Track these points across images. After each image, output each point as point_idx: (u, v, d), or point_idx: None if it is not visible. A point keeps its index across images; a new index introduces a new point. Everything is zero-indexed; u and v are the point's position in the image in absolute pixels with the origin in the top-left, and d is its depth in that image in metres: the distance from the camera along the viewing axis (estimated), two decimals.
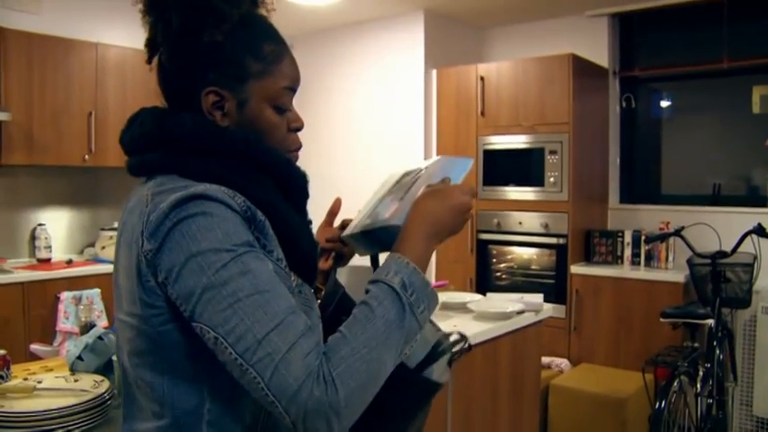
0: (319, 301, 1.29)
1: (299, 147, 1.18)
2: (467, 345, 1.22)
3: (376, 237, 1.20)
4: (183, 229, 0.94)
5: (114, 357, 1.75)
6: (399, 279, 1.01)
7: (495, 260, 4.96)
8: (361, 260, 1.41)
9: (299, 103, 1.18)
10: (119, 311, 1.06)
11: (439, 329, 1.30)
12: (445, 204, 1.11)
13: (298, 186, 1.14)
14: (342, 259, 1.42)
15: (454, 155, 1.19)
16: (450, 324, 2.68)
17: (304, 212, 1.17)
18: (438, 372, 1.22)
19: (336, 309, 1.20)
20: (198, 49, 1.06)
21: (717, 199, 4.69)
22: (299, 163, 1.15)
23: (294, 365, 0.89)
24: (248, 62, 1.08)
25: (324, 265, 1.40)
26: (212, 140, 1.05)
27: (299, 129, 1.17)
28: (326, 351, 0.92)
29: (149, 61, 1.14)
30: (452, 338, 1.22)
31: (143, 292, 0.98)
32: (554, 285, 4.62)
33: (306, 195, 1.16)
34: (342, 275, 1.29)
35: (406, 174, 1.28)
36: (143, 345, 1.01)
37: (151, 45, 1.12)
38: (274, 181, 1.09)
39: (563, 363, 4.41)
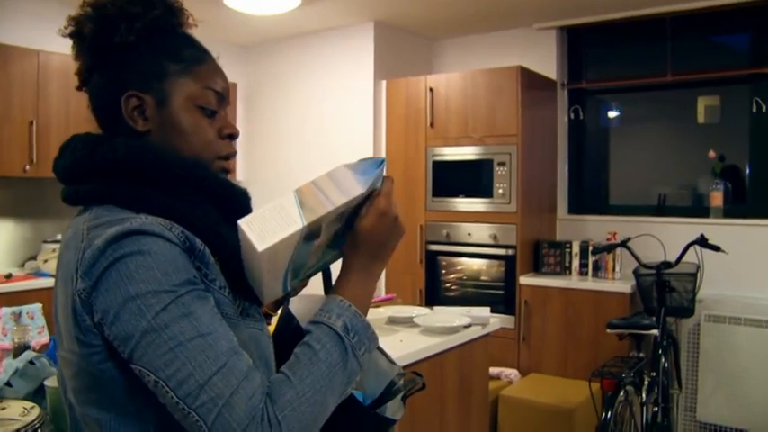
0: (270, 325, 1.27)
1: (233, 154, 1.16)
2: (421, 384, 1.22)
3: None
4: (119, 269, 0.92)
5: (47, 382, 1.69)
6: (342, 322, 1.02)
7: (444, 271, 4.97)
8: (313, 289, 1.39)
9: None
10: (60, 347, 1.04)
11: (394, 364, 1.28)
12: (373, 228, 1.07)
13: (239, 207, 1.11)
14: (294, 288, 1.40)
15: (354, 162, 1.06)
16: (396, 339, 2.66)
17: None
18: (392, 408, 1.22)
19: (291, 339, 1.18)
20: (112, 52, 1.06)
21: (662, 209, 4.78)
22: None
23: (237, 409, 0.88)
24: (165, 63, 1.08)
25: None
26: (148, 165, 1.03)
27: (233, 136, 1.15)
28: (270, 393, 0.92)
29: (80, 88, 1.12)
30: (407, 377, 1.21)
31: (79, 332, 0.96)
32: (503, 296, 4.65)
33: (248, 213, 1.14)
34: (293, 304, 1.27)
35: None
36: (85, 382, 0.99)
37: (80, 71, 1.11)
38: (215, 203, 1.07)
39: (512, 373, 4.43)
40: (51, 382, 1.67)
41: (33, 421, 1.53)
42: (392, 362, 1.30)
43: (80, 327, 0.95)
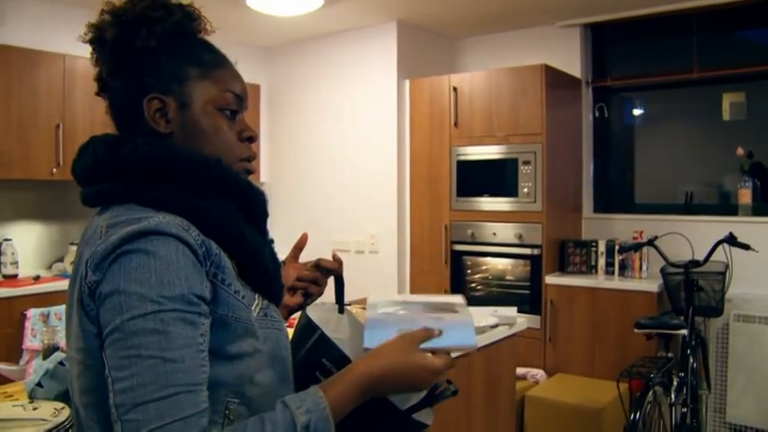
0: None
1: (253, 156, 1.17)
2: (453, 390, 1.19)
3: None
4: (122, 262, 0.93)
5: None
6: (307, 419, 0.94)
7: (469, 271, 4.95)
8: (328, 297, 1.40)
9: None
10: (69, 347, 1.04)
11: None
12: (407, 368, 1.04)
13: (259, 207, 1.13)
14: (310, 297, 1.41)
15: (471, 325, 1.14)
16: None
17: (265, 232, 1.16)
18: (424, 414, 1.21)
19: (314, 350, 1.18)
20: (134, 56, 1.07)
21: (689, 207, 4.72)
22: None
23: None
24: (186, 66, 1.09)
25: (291, 300, 1.39)
26: (170, 164, 1.03)
27: (252, 138, 1.16)
28: None
29: (99, 93, 1.14)
30: (443, 386, 1.19)
31: (88, 322, 0.96)
32: (529, 296, 4.62)
33: (266, 215, 1.15)
34: (310, 313, 1.28)
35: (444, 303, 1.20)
36: (89, 381, 0.99)
37: (100, 77, 1.12)
38: (235, 202, 1.07)
39: (539, 373, 4.40)
40: None
41: (64, 422, 1.55)
42: None
43: (89, 316, 0.96)
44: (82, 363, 0.99)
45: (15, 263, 4.31)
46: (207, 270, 0.98)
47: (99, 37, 1.08)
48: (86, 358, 0.98)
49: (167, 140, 1.07)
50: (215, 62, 1.13)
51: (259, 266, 1.07)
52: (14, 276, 4.28)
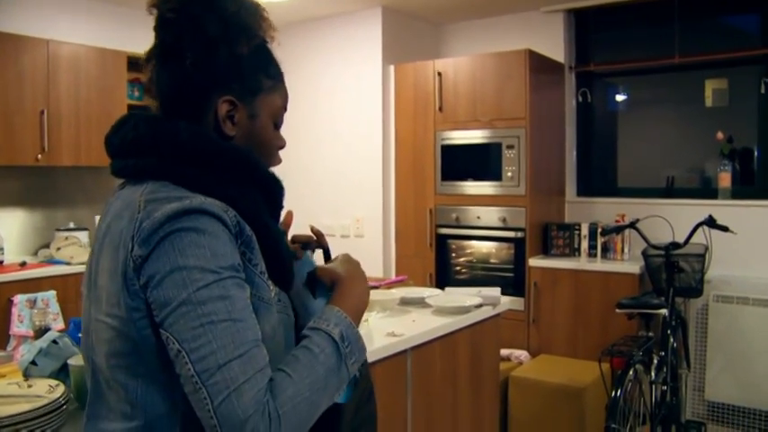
0: None
1: (280, 160, 1.27)
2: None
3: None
4: (174, 241, 0.98)
5: (70, 361, 1.73)
6: (339, 331, 1.08)
7: (454, 254, 5.00)
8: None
9: None
10: (97, 312, 1.07)
11: None
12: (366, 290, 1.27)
13: (278, 199, 1.20)
14: None
15: None
16: (408, 319, 2.70)
17: (278, 222, 1.24)
18: None
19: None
20: (228, 58, 1.12)
21: (670, 191, 4.79)
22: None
23: (246, 397, 0.92)
24: (261, 78, 1.17)
25: None
26: (207, 151, 1.09)
27: (282, 147, 1.26)
28: (272, 389, 0.96)
29: (148, 61, 1.16)
30: None
31: (127, 296, 1.01)
32: (513, 278, 4.67)
33: (281, 207, 1.22)
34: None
35: None
36: (123, 346, 1.03)
37: (163, 49, 1.14)
38: (262, 194, 1.14)
39: (522, 354, 4.46)
40: (75, 361, 1.71)
41: (59, 398, 1.58)
42: None
43: (129, 291, 1.00)
44: (116, 328, 1.03)
45: (1, 249, 4.31)
46: (239, 248, 1.04)
47: (196, 26, 1.10)
48: (122, 326, 1.02)
49: (206, 130, 1.13)
50: (279, 77, 1.22)
51: (278, 257, 1.14)
52: (0, 263, 4.28)
